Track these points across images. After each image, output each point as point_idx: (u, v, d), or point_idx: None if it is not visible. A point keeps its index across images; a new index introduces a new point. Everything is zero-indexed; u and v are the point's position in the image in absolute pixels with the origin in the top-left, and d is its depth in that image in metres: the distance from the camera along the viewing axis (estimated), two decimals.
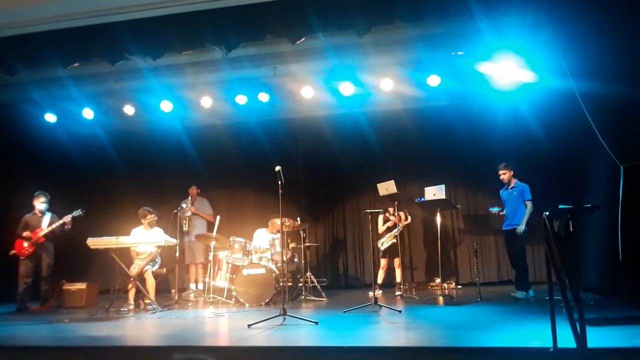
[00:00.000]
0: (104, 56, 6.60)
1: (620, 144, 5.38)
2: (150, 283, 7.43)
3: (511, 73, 7.31)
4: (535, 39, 6.65)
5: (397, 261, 8.19)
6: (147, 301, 7.36)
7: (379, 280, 8.33)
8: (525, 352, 3.54)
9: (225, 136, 9.91)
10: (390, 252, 8.13)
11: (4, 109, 8.84)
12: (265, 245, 8.03)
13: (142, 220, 7.81)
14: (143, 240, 7.53)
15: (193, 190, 9.31)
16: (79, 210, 7.89)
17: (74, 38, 6.23)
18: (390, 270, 8.38)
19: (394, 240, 7.97)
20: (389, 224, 8.17)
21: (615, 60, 5.34)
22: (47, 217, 7.95)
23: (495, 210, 7.56)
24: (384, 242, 8.03)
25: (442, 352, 3.93)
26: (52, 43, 6.32)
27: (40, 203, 7.94)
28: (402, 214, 8.13)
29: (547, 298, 3.61)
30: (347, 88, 8.02)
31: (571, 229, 3.96)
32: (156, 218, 7.86)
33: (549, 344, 3.36)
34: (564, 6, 5.63)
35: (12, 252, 7.73)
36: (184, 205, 8.37)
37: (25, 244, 7.71)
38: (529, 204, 7.09)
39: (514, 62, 7.11)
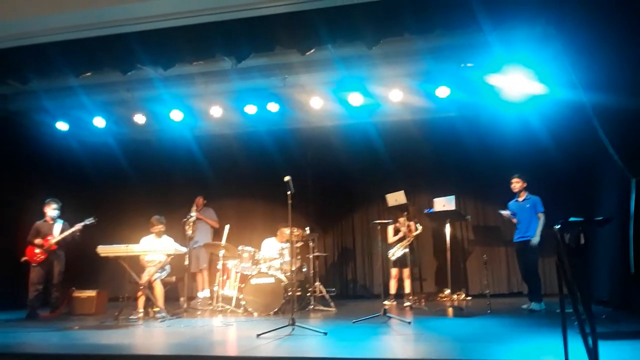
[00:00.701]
0: (116, 66, 6.68)
1: (631, 156, 5.37)
2: (159, 291, 7.45)
3: (520, 85, 7.31)
4: (544, 52, 6.66)
5: (406, 272, 8.17)
6: (157, 309, 7.37)
7: (392, 290, 8.31)
8: None
9: (235, 146, 9.96)
10: (401, 263, 8.12)
11: (17, 117, 8.95)
12: (274, 254, 8.04)
13: (151, 229, 7.86)
14: (153, 249, 7.57)
15: (199, 200, 9.33)
16: (92, 218, 7.96)
17: (86, 48, 6.31)
18: (399, 281, 8.36)
19: (406, 250, 7.96)
20: (400, 234, 8.17)
21: (624, 73, 5.33)
22: (59, 225, 8.01)
23: (505, 212, 7.53)
24: (395, 252, 8.01)
25: None
26: (64, 53, 6.40)
27: (51, 210, 8.00)
28: (412, 224, 8.12)
29: (559, 311, 3.59)
30: (356, 99, 8.05)
31: (582, 242, 3.93)
32: (163, 229, 7.89)
33: (561, 358, 3.34)
34: (573, 19, 5.64)
35: (24, 258, 7.79)
36: (192, 214, 8.41)
37: (37, 251, 7.77)
38: (542, 216, 7.08)
39: (523, 74, 7.11)
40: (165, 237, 7.91)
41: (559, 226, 3.76)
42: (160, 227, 7.86)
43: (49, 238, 7.84)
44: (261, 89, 8.27)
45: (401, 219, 8.10)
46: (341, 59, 7.34)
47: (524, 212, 7.27)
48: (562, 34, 5.88)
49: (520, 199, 7.34)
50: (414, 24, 5.83)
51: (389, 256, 8.03)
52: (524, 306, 7.07)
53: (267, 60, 7.48)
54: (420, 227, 8.05)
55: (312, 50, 6.37)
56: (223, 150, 10.05)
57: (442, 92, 7.81)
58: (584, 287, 3.61)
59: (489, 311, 6.79)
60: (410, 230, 8.05)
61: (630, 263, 5.25)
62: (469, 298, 8.75)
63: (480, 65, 7.35)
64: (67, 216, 8.18)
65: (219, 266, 8.03)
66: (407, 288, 8.16)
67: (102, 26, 6.11)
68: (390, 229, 8.29)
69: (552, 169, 8.15)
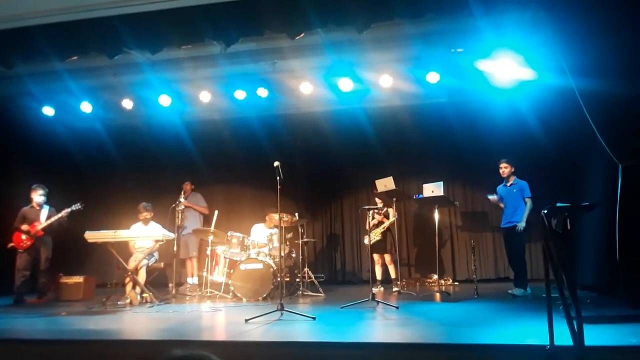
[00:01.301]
0: (103, 50, 6.57)
1: (618, 142, 5.40)
2: (141, 277, 7.41)
3: (510, 70, 7.31)
4: (535, 37, 6.64)
5: (388, 257, 8.22)
6: (145, 295, 7.35)
7: (378, 276, 8.35)
8: (522, 350, 3.55)
9: (224, 131, 9.89)
10: (379, 249, 8.16)
11: (2, 102, 8.80)
12: (263, 240, 8.04)
13: (139, 216, 7.82)
14: (141, 235, 7.53)
15: (187, 186, 9.25)
16: (78, 204, 7.87)
17: (72, 31, 6.20)
18: (383, 266, 8.40)
19: (379, 238, 8.00)
20: (374, 220, 8.19)
21: (614, 58, 5.34)
22: (45, 210, 7.95)
23: (493, 197, 7.56)
24: (372, 238, 8.05)
25: (438, 348, 3.94)
26: (50, 36, 6.28)
27: (38, 196, 7.93)
28: (390, 210, 8.11)
29: (545, 295, 3.61)
30: (346, 84, 8.02)
31: (569, 227, 3.96)
32: (149, 216, 7.85)
33: (545, 341, 3.37)
34: (563, 4, 5.63)
35: (10, 245, 7.72)
36: (181, 200, 8.37)
37: (24, 237, 7.71)
38: (529, 201, 7.11)
39: (513, 60, 7.12)
40: (152, 224, 7.87)
41: (545, 211, 3.78)
42: (147, 215, 7.83)
43: (35, 224, 7.78)
44: (250, 74, 8.22)
45: (379, 204, 8.13)
46: (331, 44, 7.28)
47: (511, 196, 7.29)
48: (552, 18, 5.87)
49: (509, 184, 7.36)
50: (404, 8, 5.78)
51: (365, 242, 8.08)
52: (510, 291, 7.14)
53: (256, 45, 7.40)
54: (395, 215, 8.02)
55: (302, 35, 6.30)
56: (212, 136, 9.98)
57: (432, 77, 7.80)
58: (569, 271, 3.64)
59: (475, 296, 6.85)
60: (386, 217, 8.08)
61: (616, 249, 5.30)
62: (457, 283, 8.82)
63: (470, 51, 7.34)
64: (54, 202, 8.11)
65: (208, 252, 8.02)
66: (393, 274, 8.20)
67: (89, 9, 6.00)
68: (371, 215, 8.29)
69: (540, 155, 8.18)
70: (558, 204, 3.99)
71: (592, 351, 3.24)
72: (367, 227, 8.19)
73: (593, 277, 6.70)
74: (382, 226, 8.07)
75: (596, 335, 3.63)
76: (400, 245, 8.89)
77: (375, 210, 8.16)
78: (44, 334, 5.21)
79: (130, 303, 7.19)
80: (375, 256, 8.30)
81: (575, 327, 3.18)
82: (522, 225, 7.02)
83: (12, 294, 7.64)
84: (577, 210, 4.77)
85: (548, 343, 3.35)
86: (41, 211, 7.92)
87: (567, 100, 6.11)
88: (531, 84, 7.43)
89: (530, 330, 4.18)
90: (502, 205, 7.47)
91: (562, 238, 3.89)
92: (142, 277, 7.43)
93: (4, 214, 8.08)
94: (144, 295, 7.37)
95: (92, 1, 5.90)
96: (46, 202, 8.02)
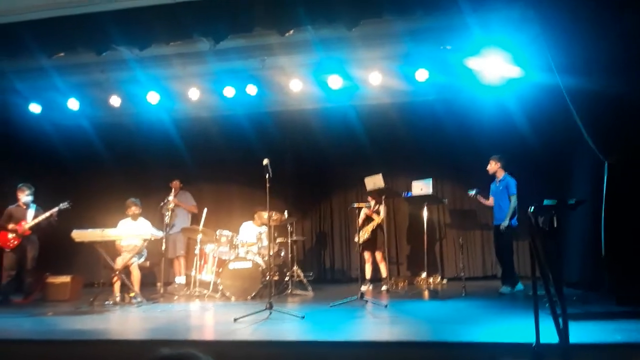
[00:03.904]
0: (90, 46, 6.49)
1: (605, 139, 5.44)
2: (136, 276, 7.38)
3: (498, 68, 7.33)
4: (523, 34, 6.67)
5: (379, 255, 8.20)
6: (132, 294, 7.30)
7: (367, 274, 8.34)
8: (508, 348, 3.57)
9: (213, 128, 9.83)
10: (370, 246, 8.16)
11: None
12: (252, 239, 8.01)
13: (127, 212, 7.77)
14: (129, 233, 7.48)
15: (175, 184, 9.15)
16: (66, 202, 7.79)
17: (59, 28, 6.14)
18: (374, 264, 8.40)
19: (369, 235, 8.01)
20: (362, 216, 8.20)
21: (600, 56, 5.38)
22: (32, 210, 7.86)
23: (472, 192, 7.58)
24: (362, 236, 8.06)
25: (426, 346, 3.96)
26: (36, 33, 6.22)
27: (25, 195, 7.83)
28: (381, 208, 8.11)
29: (531, 293, 3.63)
30: (335, 81, 8.00)
31: (555, 225, 3.98)
32: (138, 211, 7.80)
33: (532, 339, 3.39)
34: (551, 2, 5.66)
35: None
36: (170, 199, 8.31)
37: (10, 236, 7.62)
38: (513, 199, 7.08)
39: (501, 57, 7.14)
40: (141, 220, 7.83)
41: (532, 209, 3.80)
42: (135, 210, 7.77)
43: (22, 223, 7.68)
44: (239, 70, 8.16)
45: (371, 202, 8.13)
46: (320, 41, 7.24)
47: (498, 194, 7.31)
48: (540, 16, 5.88)
49: (497, 181, 7.38)
50: (393, 5, 5.78)
51: (355, 240, 8.09)
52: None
53: (245, 42, 7.33)
54: (382, 213, 8.01)
55: (291, 32, 6.27)
56: (201, 134, 9.91)
57: (421, 75, 7.80)
58: (555, 269, 3.66)
59: (463, 294, 6.87)
60: (377, 213, 8.08)
61: (602, 246, 5.34)
62: (445, 281, 8.84)
63: (459, 48, 7.34)
64: (41, 201, 8.01)
65: (197, 251, 7.98)
66: (384, 272, 8.19)
67: (76, 5, 5.96)
68: (362, 213, 8.28)
69: (527, 152, 8.20)
70: (545, 202, 4.01)
71: (577, 349, 3.27)
72: (358, 225, 8.19)
73: (579, 274, 6.76)
74: (372, 223, 8.07)
75: (582, 332, 3.66)
76: (390, 243, 8.90)
77: (367, 206, 8.15)
78: (31, 334, 5.17)
79: (120, 302, 7.15)
80: (366, 254, 8.30)
81: (561, 324, 3.21)
82: (504, 224, 7.00)
83: None
84: (564, 208, 4.81)
85: (534, 341, 3.36)
86: (28, 210, 7.83)
87: (554, 98, 6.14)
88: (519, 81, 7.46)
89: (517, 328, 4.21)
90: (488, 202, 7.50)
91: (548, 235, 3.91)
92: (135, 275, 7.37)
93: None
94: (131, 294, 7.31)
95: None
96: (33, 201, 7.94)
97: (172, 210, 8.45)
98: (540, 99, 7.26)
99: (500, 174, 7.33)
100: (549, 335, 3.32)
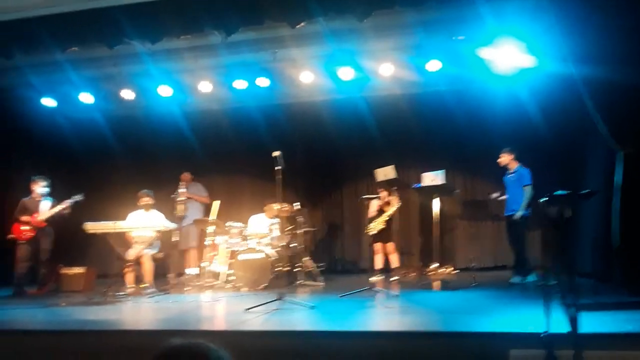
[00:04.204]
0: (102, 40, 6.53)
1: (618, 129, 5.37)
2: (148, 267, 7.44)
3: (511, 58, 7.25)
4: (537, 24, 6.58)
5: (390, 246, 8.17)
6: (145, 285, 7.37)
7: (378, 265, 8.34)
8: (517, 337, 3.56)
9: (224, 121, 9.87)
10: (382, 237, 8.14)
11: (2, 93, 8.79)
12: (263, 230, 8.04)
13: (139, 203, 7.84)
14: (141, 225, 7.54)
15: (186, 176, 9.15)
16: (79, 195, 7.88)
17: (72, 22, 6.18)
18: (386, 255, 8.38)
19: (383, 226, 8.00)
20: (375, 207, 8.18)
21: (615, 45, 5.30)
22: (46, 202, 7.95)
23: (494, 195, 7.56)
24: (374, 227, 8.05)
25: (437, 336, 3.96)
26: (49, 27, 6.27)
27: (40, 187, 7.91)
28: (394, 198, 8.10)
29: (542, 283, 3.62)
30: (346, 73, 7.97)
31: (567, 215, 3.95)
32: (150, 202, 7.86)
33: (542, 328, 3.37)
34: None
35: (11, 236, 7.74)
36: (180, 191, 8.37)
37: (24, 228, 7.72)
38: (528, 189, 7.06)
39: (514, 47, 7.05)
40: (154, 211, 7.89)
41: (544, 200, 3.78)
42: (148, 200, 7.83)
43: (35, 215, 7.78)
44: (251, 63, 8.17)
45: (382, 194, 8.11)
46: (332, 33, 7.21)
47: (511, 185, 7.29)
48: (554, 5, 5.81)
49: (510, 172, 7.35)
50: None
51: (367, 231, 8.07)
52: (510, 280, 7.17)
53: (256, 34, 7.33)
54: (396, 204, 8.01)
55: (303, 24, 6.25)
56: (212, 126, 9.96)
57: (433, 65, 7.75)
58: (567, 259, 3.64)
59: (474, 284, 6.84)
60: (389, 204, 8.06)
61: (614, 236, 5.29)
62: (456, 272, 8.80)
63: (471, 39, 7.27)
64: (54, 193, 8.10)
65: (208, 242, 8.04)
66: (395, 262, 8.18)
67: None
68: (374, 203, 8.28)
69: (540, 143, 8.12)
70: (557, 192, 3.98)
71: (588, 338, 3.25)
72: (371, 216, 8.18)
73: (591, 264, 6.71)
74: (386, 214, 8.04)
75: (592, 323, 3.63)
76: (400, 234, 8.88)
77: (377, 199, 8.14)
78: (45, 325, 5.24)
79: (132, 293, 7.23)
80: (377, 245, 8.30)
81: (572, 314, 3.19)
82: (519, 214, 6.98)
83: (13, 285, 7.67)
84: (576, 199, 4.78)
85: (544, 330, 3.35)
86: (42, 202, 7.93)
87: (568, 88, 6.08)
88: (532, 71, 7.37)
89: (527, 318, 4.19)
90: (501, 198, 7.49)
91: (560, 226, 3.89)
92: (148, 266, 7.43)
93: (4, 205, 8.10)
94: (143, 285, 7.37)
95: None
96: (47, 194, 8.03)
97: (183, 202, 8.50)
98: (553, 89, 7.18)
99: (514, 166, 7.31)
100: (560, 325, 3.31)
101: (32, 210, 7.83)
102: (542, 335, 3.29)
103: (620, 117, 5.37)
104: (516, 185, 7.19)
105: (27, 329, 5.04)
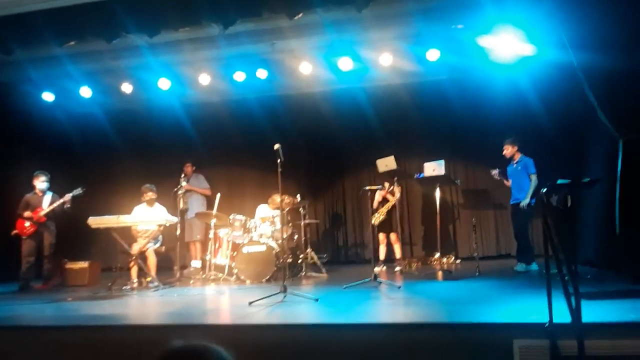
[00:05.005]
0: (100, 34, 6.50)
1: (619, 116, 5.36)
2: (152, 261, 7.49)
3: (511, 46, 7.22)
4: (536, 11, 6.53)
5: (393, 236, 8.20)
6: (149, 279, 7.41)
7: (381, 256, 8.38)
8: (520, 327, 3.57)
9: (224, 113, 9.86)
10: (385, 227, 8.17)
11: (2, 89, 8.76)
12: (266, 222, 8.06)
13: (142, 198, 7.85)
14: (144, 219, 7.56)
15: (188, 168, 9.23)
16: (79, 189, 7.89)
17: (70, 16, 6.15)
18: (388, 246, 8.41)
19: (385, 216, 8.02)
20: (378, 197, 8.20)
21: (615, 32, 5.27)
22: (48, 197, 7.97)
23: (494, 171, 7.55)
24: (378, 217, 8.07)
25: (440, 327, 3.98)
26: (47, 22, 6.23)
27: (40, 182, 7.94)
28: (396, 189, 8.11)
29: (545, 272, 3.62)
30: (345, 63, 7.95)
31: (569, 204, 3.96)
32: (153, 197, 7.88)
33: (545, 318, 3.39)
34: None
35: (14, 231, 7.77)
36: (183, 184, 8.38)
37: (27, 224, 7.76)
38: (534, 178, 7.11)
39: (514, 35, 7.02)
40: (157, 206, 7.91)
41: (546, 189, 3.78)
42: (152, 195, 7.86)
43: (38, 210, 7.81)
44: (250, 55, 8.13)
45: (386, 184, 8.12)
46: (330, 23, 7.17)
47: (516, 174, 7.32)
48: None
49: (514, 162, 7.37)
50: None
51: (372, 221, 8.10)
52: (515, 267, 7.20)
53: (255, 26, 7.29)
54: (397, 194, 8.01)
55: (301, 15, 6.22)
56: (212, 119, 9.95)
57: (433, 54, 7.72)
58: (568, 248, 3.65)
59: (477, 274, 6.87)
60: (393, 194, 8.07)
61: (616, 224, 5.30)
62: (459, 261, 8.85)
63: (471, 27, 7.23)
64: (56, 188, 8.12)
65: (211, 235, 8.06)
66: (397, 253, 8.22)
67: None
68: (377, 194, 8.29)
69: (541, 131, 8.11)
70: (558, 181, 3.98)
71: (591, 328, 3.26)
72: (373, 207, 8.20)
73: (594, 252, 6.72)
74: (388, 204, 8.06)
75: (596, 312, 3.66)
76: (403, 224, 8.91)
77: (379, 189, 8.15)
78: (51, 320, 5.27)
79: (137, 286, 7.27)
80: (381, 235, 8.33)
81: (574, 303, 3.20)
82: (525, 202, 7.03)
83: (18, 280, 7.71)
84: (578, 187, 4.78)
85: (547, 320, 3.37)
86: (44, 197, 7.95)
87: (567, 75, 6.05)
88: (532, 59, 7.34)
89: (530, 307, 4.20)
90: (507, 183, 7.49)
91: (562, 215, 3.89)
92: (152, 260, 7.48)
93: (6, 201, 8.11)
94: (148, 278, 7.42)
95: None
96: (49, 188, 8.04)
97: (185, 195, 8.49)
98: (553, 77, 7.14)
99: (517, 156, 7.34)
100: (564, 315, 3.32)
101: (35, 205, 7.85)
102: (546, 325, 3.31)
103: (620, 105, 5.36)
104: (521, 174, 7.21)
105: (34, 324, 5.02)
